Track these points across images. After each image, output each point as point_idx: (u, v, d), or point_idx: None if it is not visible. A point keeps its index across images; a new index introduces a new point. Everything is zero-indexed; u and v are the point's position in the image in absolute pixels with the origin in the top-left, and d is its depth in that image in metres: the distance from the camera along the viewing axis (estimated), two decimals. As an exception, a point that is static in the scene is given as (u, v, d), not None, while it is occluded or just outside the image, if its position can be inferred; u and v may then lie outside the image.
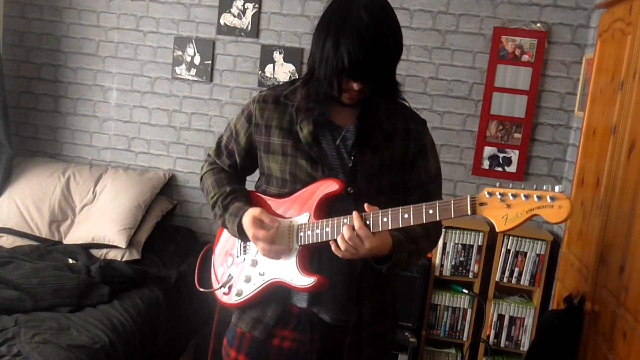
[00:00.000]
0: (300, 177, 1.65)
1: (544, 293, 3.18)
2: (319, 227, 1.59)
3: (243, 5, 3.51)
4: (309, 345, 1.70)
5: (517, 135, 3.34)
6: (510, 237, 3.16)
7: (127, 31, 3.67)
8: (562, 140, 3.33)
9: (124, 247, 3.21)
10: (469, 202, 1.41)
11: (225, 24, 3.55)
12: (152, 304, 2.93)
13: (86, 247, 3.23)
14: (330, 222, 1.57)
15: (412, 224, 1.47)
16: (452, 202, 1.43)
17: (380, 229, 1.50)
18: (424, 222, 1.46)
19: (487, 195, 1.40)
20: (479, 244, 3.20)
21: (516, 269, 3.18)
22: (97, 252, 3.23)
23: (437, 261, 3.24)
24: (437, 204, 1.45)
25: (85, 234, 3.27)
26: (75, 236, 3.31)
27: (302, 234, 1.62)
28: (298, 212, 1.64)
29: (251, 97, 1.76)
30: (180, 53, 3.61)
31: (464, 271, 3.23)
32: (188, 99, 3.65)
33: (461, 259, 3.22)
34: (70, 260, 3.08)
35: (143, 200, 3.40)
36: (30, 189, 3.44)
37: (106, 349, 2.45)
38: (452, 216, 1.44)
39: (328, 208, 1.62)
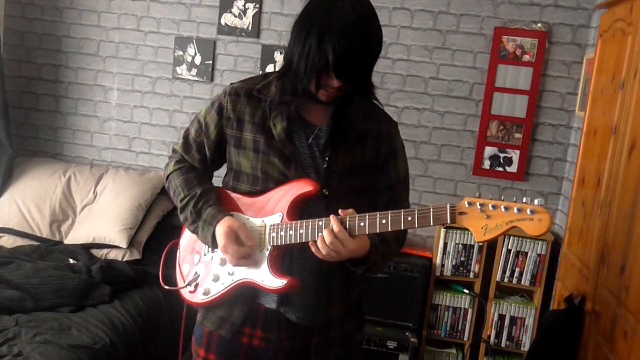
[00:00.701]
0: (272, 175, 1.61)
1: (545, 293, 3.18)
2: (293, 228, 1.55)
3: (244, 5, 3.51)
4: (277, 343, 1.67)
5: (518, 135, 3.34)
6: (511, 237, 3.16)
7: (127, 31, 3.67)
8: (562, 140, 3.33)
9: (124, 247, 3.21)
10: (448, 211, 1.40)
11: (226, 24, 3.55)
12: (153, 304, 2.93)
13: (87, 247, 3.23)
14: (304, 223, 1.53)
15: (389, 229, 1.46)
16: (431, 209, 1.42)
17: (357, 234, 1.49)
18: (402, 228, 1.45)
19: (467, 205, 1.39)
20: (480, 244, 3.20)
21: (517, 269, 3.18)
22: (97, 252, 3.23)
23: (438, 261, 3.24)
24: (416, 211, 1.43)
25: (86, 234, 3.27)
26: (76, 236, 3.31)
27: (274, 234, 1.58)
28: (270, 212, 1.60)
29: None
30: (181, 53, 3.61)
31: (465, 271, 3.23)
32: (189, 99, 3.65)
33: (462, 259, 3.22)
34: (71, 260, 3.08)
35: (144, 200, 3.40)
36: (31, 189, 3.45)
37: (107, 349, 2.45)
38: (431, 224, 1.43)
39: (301, 208, 1.59)
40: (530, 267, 3.16)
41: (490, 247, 3.21)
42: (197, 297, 1.71)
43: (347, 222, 1.48)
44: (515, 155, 3.35)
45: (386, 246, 1.61)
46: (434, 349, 3.32)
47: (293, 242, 1.55)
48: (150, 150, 3.73)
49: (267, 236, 1.60)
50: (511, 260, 3.18)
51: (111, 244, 3.22)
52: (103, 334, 2.51)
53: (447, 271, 3.24)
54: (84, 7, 3.70)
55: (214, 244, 1.63)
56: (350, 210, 1.50)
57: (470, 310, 3.25)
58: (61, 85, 3.78)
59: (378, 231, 1.47)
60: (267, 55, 3.51)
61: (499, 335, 3.23)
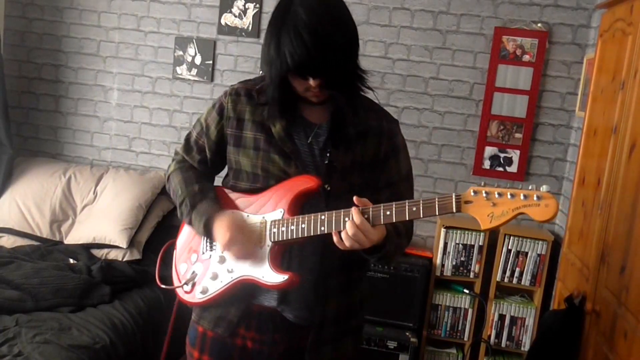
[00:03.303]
0: (272, 172, 1.62)
1: (545, 293, 3.18)
2: (294, 223, 1.56)
3: (244, 5, 3.51)
4: (272, 345, 1.67)
5: (518, 135, 3.34)
6: (511, 237, 3.16)
7: (128, 31, 3.67)
8: (563, 140, 3.33)
9: (125, 247, 3.21)
10: (454, 199, 1.40)
11: (226, 24, 3.55)
12: (153, 304, 2.93)
13: (87, 247, 3.23)
14: (306, 218, 1.54)
15: (394, 220, 1.47)
16: (436, 199, 1.43)
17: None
18: (407, 219, 1.46)
19: (473, 194, 1.39)
20: (480, 244, 3.20)
21: (517, 269, 3.18)
22: (98, 252, 3.23)
23: (438, 261, 3.24)
24: (421, 201, 1.44)
25: (86, 234, 3.27)
26: (76, 236, 3.31)
27: (275, 230, 1.59)
28: (271, 208, 1.61)
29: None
30: (181, 53, 3.61)
31: (465, 271, 3.23)
32: (189, 99, 3.65)
33: (462, 259, 3.22)
34: (71, 260, 3.08)
35: (144, 200, 3.40)
36: (31, 189, 3.45)
37: (107, 349, 2.46)
38: (437, 213, 1.43)
39: (302, 204, 1.60)
40: (531, 267, 3.16)
41: (491, 247, 3.21)
42: (195, 297, 1.70)
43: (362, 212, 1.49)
44: (515, 155, 3.35)
45: (399, 237, 1.63)
46: (434, 349, 3.32)
47: (294, 237, 1.56)
48: (150, 150, 3.73)
49: (267, 232, 1.60)
50: (511, 260, 3.18)
51: (111, 244, 3.22)
52: (103, 334, 2.51)
53: (447, 271, 3.24)
54: (84, 7, 3.70)
55: (206, 232, 1.64)
56: (365, 199, 1.50)
57: (470, 310, 3.25)
58: (61, 85, 3.78)
59: (382, 222, 1.48)
60: (267, 55, 3.50)
61: (499, 335, 3.23)
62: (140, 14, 3.65)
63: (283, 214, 1.59)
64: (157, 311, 2.93)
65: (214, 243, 1.69)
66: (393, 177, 1.70)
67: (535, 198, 1.34)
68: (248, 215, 1.65)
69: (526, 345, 3.20)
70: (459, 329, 3.28)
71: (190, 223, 1.71)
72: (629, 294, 1.96)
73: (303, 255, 1.60)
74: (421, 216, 1.45)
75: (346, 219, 1.49)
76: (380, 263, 1.66)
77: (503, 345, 3.24)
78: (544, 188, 1.35)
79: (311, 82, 1.51)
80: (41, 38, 3.76)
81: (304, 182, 1.58)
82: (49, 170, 3.55)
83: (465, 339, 3.28)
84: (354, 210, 1.48)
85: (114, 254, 3.22)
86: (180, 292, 1.74)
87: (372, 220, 1.48)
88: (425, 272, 3.21)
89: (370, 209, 1.49)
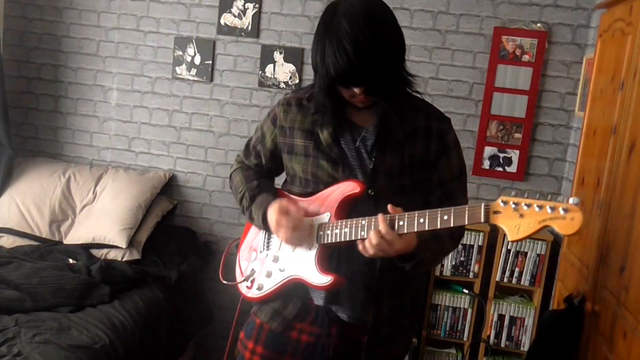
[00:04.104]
0: (322, 178, 1.69)
1: (545, 293, 3.18)
2: (339, 227, 1.62)
3: (243, 5, 3.51)
4: (326, 339, 1.73)
5: (518, 135, 3.34)
6: (511, 237, 3.16)
7: (127, 31, 3.67)
8: (562, 140, 3.33)
9: (124, 247, 3.21)
10: (482, 209, 1.41)
11: (225, 24, 3.55)
12: (153, 304, 2.93)
13: (86, 247, 3.23)
14: (349, 222, 1.60)
15: (426, 228, 1.49)
16: (466, 209, 1.44)
17: (397, 232, 1.52)
18: (439, 227, 1.47)
19: (502, 204, 1.40)
20: (479, 244, 3.20)
21: (516, 269, 3.18)
22: (97, 252, 3.23)
23: (438, 261, 3.24)
24: (452, 210, 1.46)
25: (85, 234, 3.27)
26: (75, 236, 3.31)
27: (322, 233, 1.66)
28: (320, 211, 1.68)
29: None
30: (180, 53, 3.61)
31: (465, 271, 3.23)
32: (188, 99, 3.65)
33: (461, 259, 3.22)
34: (71, 260, 3.08)
35: (143, 200, 3.40)
36: (30, 189, 3.45)
37: (106, 349, 2.45)
38: (466, 223, 1.45)
39: (349, 208, 1.65)
40: (530, 267, 3.16)
41: (490, 247, 3.21)
42: (253, 292, 1.80)
43: (389, 221, 1.51)
44: (515, 155, 3.35)
45: (437, 242, 1.64)
46: (433, 349, 3.32)
47: (338, 240, 1.62)
48: (149, 150, 3.73)
49: (315, 234, 1.67)
50: (511, 260, 3.18)
51: (111, 244, 3.22)
52: (102, 334, 2.51)
53: (447, 271, 3.24)
54: (84, 7, 3.70)
55: (266, 227, 1.72)
56: (399, 208, 1.52)
57: (469, 310, 3.25)
58: (61, 85, 3.78)
59: (416, 230, 1.50)
60: (266, 55, 3.51)
61: (498, 335, 3.23)
62: (140, 14, 3.65)
63: (330, 218, 1.65)
64: (156, 311, 2.93)
65: (270, 242, 1.78)
66: (444, 177, 1.71)
67: (561, 211, 1.34)
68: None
69: (525, 345, 3.20)
70: (459, 329, 3.28)
71: (250, 217, 1.78)
72: (628, 294, 1.96)
73: (352, 257, 1.64)
74: (452, 224, 1.46)
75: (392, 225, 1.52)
76: (418, 269, 1.68)
77: (502, 345, 3.23)
78: (572, 201, 1.34)
79: (355, 90, 1.55)
80: (41, 38, 3.76)
81: (349, 187, 1.64)
82: (48, 170, 3.55)
83: (465, 339, 3.28)
84: (380, 219, 1.51)
85: (113, 254, 3.22)
86: (242, 287, 1.84)
87: (397, 229, 1.51)
88: (425, 272, 3.21)
89: (397, 217, 1.51)
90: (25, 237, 3.31)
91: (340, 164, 1.66)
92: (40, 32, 3.76)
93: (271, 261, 1.77)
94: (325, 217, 1.66)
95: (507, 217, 1.39)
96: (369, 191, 1.64)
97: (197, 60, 3.60)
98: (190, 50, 3.60)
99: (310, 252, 1.68)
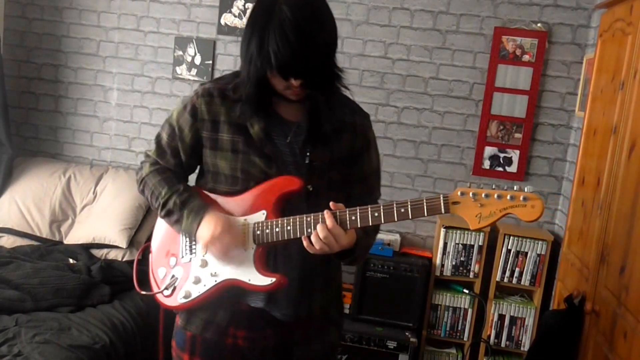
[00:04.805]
0: (253, 174, 1.59)
1: (545, 293, 3.18)
2: (279, 225, 1.55)
3: (244, 5, 3.51)
4: (263, 341, 1.68)
5: (518, 135, 3.34)
6: (511, 237, 3.16)
7: (127, 31, 3.67)
8: (562, 140, 3.33)
9: (124, 247, 3.21)
10: (442, 201, 1.44)
11: (225, 23, 3.55)
12: (153, 304, 2.90)
13: (87, 247, 3.23)
14: (291, 220, 1.53)
15: (382, 222, 1.48)
16: (424, 200, 1.45)
17: (348, 227, 1.50)
18: (396, 220, 1.47)
19: (460, 195, 1.43)
20: (480, 244, 3.20)
21: (517, 269, 3.18)
22: (97, 252, 3.23)
23: (438, 261, 3.24)
24: (409, 202, 1.46)
25: (85, 234, 3.27)
26: (75, 236, 3.31)
27: (259, 232, 1.57)
28: (253, 210, 1.59)
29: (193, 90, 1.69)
30: (180, 53, 3.61)
31: (465, 271, 3.23)
32: (188, 99, 3.65)
33: (462, 259, 3.22)
34: (71, 260, 3.08)
35: (143, 200, 3.36)
36: (30, 189, 3.44)
37: (107, 349, 2.45)
38: (425, 215, 1.46)
39: (283, 206, 1.59)
40: (530, 267, 3.16)
41: (490, 247, 3.21)
42: (177, 301, 1.67)
43: (338, 217, 1.50)
44: (515, 155, 3.35)
45: (367, 238, 1.64)
46: (433, 349, 3.32)
47: (280, 239, 1.55)
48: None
49: (250, 234, 1.59)
50: (511, 260, 3.18)
51: (111, 244, 3.22)
52: (103, 334, 2.51)
53: (447, 271, 3.24)
54: (84, 7, 3.70)
55: (194, 232, 1.60)
56: (341, 204, 1.51)
57: (470, 310, 3.25)
58: (61, 85, 3.78)
59: (370, 224, 1.49)
60: (267, 55, 3.51)
61: (498, 335, 3.23)
62: (140, 14, 3.65)
63: (266, 216, 1.57)
64: (156, 311, 2.92)
65: (194, 246, 1.66)
66: (365, 172, 1.71)
67: (522, 199, 1.39)
68: (228, 218, 1.61)
69: (526, 345, 3.20)
70: (459, 329, 3.28)
71: (175, 221, 1.65)
72: (628, 294, 1.96)
73: (287, 255, 1.61)
74: (410, 217, 1.47)
75: (338, 221, 1.50)
76: (351, 264, 1.67)
77: (503, 345, 3.23)
78: (528, 188, 1.39)
79: (293, 82, 1.49)
80: (41, 38, 3.76)
81: (287, 183, 1.57)
82: (48, 170, 3.55)
83: (465, 339, 3.28)
84: (327, 214, 1.49)
85: (113, 254, 3.22)
86: (160, 297, 1.72)
87: (349, 224, 1.49)
88: (425, 272, 3.21)
89: (348, 212, 1.50)
90: (25, 237, 3.31)
91: (274, 160, 1.59)
92: (40, 32, 3.76)
93: (198, 266, 1.64)
94: (261, 215, 1.57)
95: (466, 207, 1.42)
96: (308, 187, 1.58)
97: (198, 60, 3.60)
98: (191, 50, 3.60)
99: (247, 253, 1.58)
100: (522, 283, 3.19)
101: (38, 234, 3.33)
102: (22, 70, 3.80)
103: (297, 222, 1.53)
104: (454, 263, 3.23)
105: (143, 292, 1.78)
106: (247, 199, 1.60)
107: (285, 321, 1.67)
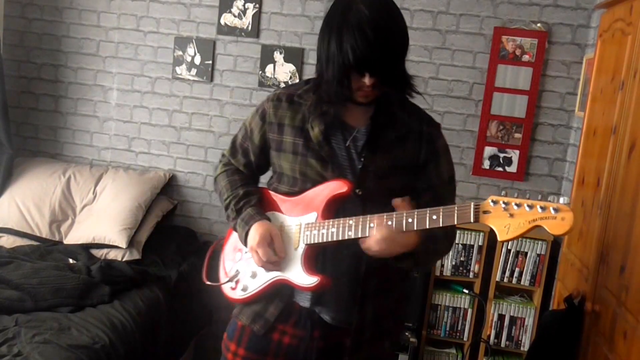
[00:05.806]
0: (310, 176, 1.66)
1: (545, 293, 3.18)
2: (325, 227, 1.60)
3: (243, 5, 3.51)
4: (309, 342, 1.70)
5: (518, 135, 3.34)
6: (511, 237, 3.16)
7: (127, 31, 3.67)
8: (562, 140, 3.33)
9: (124, 247, 3.21)
10: (472, 209, 1.42)
11: (225, 24, 3.55)
12: (153, 304, 2.93)
13: (86, 247, 3.23)
14: (336, 222, 1.59)
15: (415, 228, 1.49)
16: (455, 208, 1.45)
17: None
18: (427, 227, 1.48)
19: (491, 204, 1.40)
20: (480, 244, 3.20)
21: (517, 269, 3.18)
22: (97, 252, 3.23)
23: (438, 261, 3.24)
24: (441, 210, 1.46)
25: (85, 234, 3.27)
26: (75, 236, 3.31)
27: (308, 232, 1.64)
28: (306, 211, 1.66)
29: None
30: (180, 53, 3.61)
31: (465, 271, 3.23)
32: (188, 99, 3.65)
33: (462, 259, 3.22)
34: (71, 260, 3.08)
35: (143, 200, 3.40)
36: (30, 189, 3.44)
37: (106, 349, 2.45)
38: (455, 223, 1.45)
39: (336, 208, 1.63)
40: (530, 267, 3.16)
41: (490, 247, 3.21)
42: (237, 294, 1.78)
43: (376, 221, 1.52)
44: (515, 155, 3.35)
45: (433, 242, 1.64)
46: (433, 349, 3.32)
47: (325, 240, 1.60)
48: (149, 150, 3.73)
49: (301, 235, 1.65)
50: (511, 260, 3.18)
51: (111, 244, 3.22)
52: (102, 334, 2.51)
53: (447, 271, 3.24)
54: (84, 7, 3.70)
55: (246, 242, 1.70)
56: (399, 201, 1.54)
57: (470, 310, 3.25)
58: (61, 85, 3.78)
59: (404, 230, 1.50)
60: (266, 55, 3.51)
61: (498, 335, 3.23)
62: (140, 14, 3.65)
63: (316, 217, 1.63)
64: (156, 311, 2.93)
65: None
66: (433, 181, 1.71)
67: (552, 211, 1.34)
68: (286, 217, 1.70)
69: (525, 345, 3.20)
70: (459, 329, 3.28)
71: (234, 228, 1.76)
72: (628, 294, 1.96)
73: (338, 258, 1.64)
74: (441, 224, 1.47)
75: (371, 224, 1.52)
76: (413, 269, 1.69)
77: (502, 345, 3.24)
78: (561, 200, 1.34)
79: (366, 79, 1.53)
80: (40, 38, 3.76)
81: (336, 187, 1.62)
82: (48, 170, 3.55)
83: (465, 339, 3.28)
84: (377, 219, 1.52)
85: (113, 254, 3.21)
86: (226, 288, 1.81)
87: (395, 228, 1.51)
88: (425, 272, 3.21)
89: (394, 216, 1.52)
90: (25, 237, 3.31)
91: (330, 163, 1.64)
92: (40, 32, 3.76)
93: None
94: (312, 216, 1.64)
95: (496, 216, 1.39)
96: (357, 191, 1.62)
97: (197, 60, 3.60)
98: (190, 50, 3.60)
99: (296, 253, 1.65)
100: (522, 283, 3.19)
101: (38, 234, 3.33)
102: (21, 70, 3.80)
103: (340, 225, 1.58)
104: (453, 263, 3.23)
105: (208, 283, 1.87)
106: (303, 200, 1.68)
107: (335, 326, 1.70)
